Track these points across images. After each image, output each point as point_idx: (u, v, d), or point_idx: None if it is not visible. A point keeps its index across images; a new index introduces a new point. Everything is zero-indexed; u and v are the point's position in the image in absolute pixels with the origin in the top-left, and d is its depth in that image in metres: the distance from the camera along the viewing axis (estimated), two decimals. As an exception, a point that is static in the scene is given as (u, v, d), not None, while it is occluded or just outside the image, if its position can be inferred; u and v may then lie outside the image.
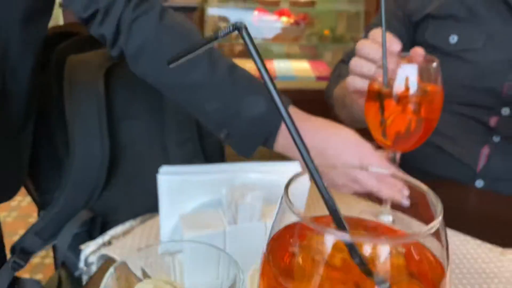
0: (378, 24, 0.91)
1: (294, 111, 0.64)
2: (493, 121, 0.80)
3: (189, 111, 0.69)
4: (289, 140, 0.61)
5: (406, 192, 0.32)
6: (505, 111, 0.78)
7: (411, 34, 0.89)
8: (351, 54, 0.96)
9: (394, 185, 0.31)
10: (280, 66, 2.78)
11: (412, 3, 0.87)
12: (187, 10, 2.29)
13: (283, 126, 0.62)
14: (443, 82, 0.76)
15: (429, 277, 0.24)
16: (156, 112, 0.80)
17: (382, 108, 0.51)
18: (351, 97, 0.71)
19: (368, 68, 0.58)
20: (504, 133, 0.80)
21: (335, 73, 0.95)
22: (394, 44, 0.56)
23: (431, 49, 0.82)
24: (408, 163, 0.63)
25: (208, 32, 2.54)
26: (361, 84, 0.59)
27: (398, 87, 0.50)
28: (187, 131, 0.82)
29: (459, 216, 0.57)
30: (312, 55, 3.13)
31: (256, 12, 2.69)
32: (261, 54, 0.28)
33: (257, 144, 0.65)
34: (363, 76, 0.59)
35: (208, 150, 0.89)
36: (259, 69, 0.28)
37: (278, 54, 3.09)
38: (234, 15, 2.71)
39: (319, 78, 2.59)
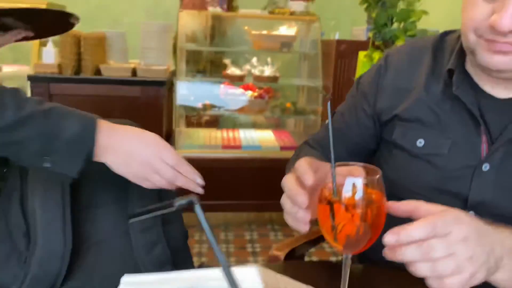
0: (343, 113, 0.95)
1: (104, 123, 0.72)
2: None
3: (9, 155, 0.70)
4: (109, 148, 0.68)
5: (200, 181, 0.40)
6: (471, 214, 0.76)
7: (379, 131, 0.90)
8: (316, 137, 0.99)
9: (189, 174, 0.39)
10: (246, 136, 2.91)
11: (381, 103, 0.87)
12: (156, 84, 2.41)
13: (99, 139, 0.69)
14: (411, 183, 0.80)
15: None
16: (120, 200, 0.82)
17: (332, 215, 0.56)
18: None
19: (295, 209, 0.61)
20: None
21: (295, 154, 0.97)
22: (307, 177, 0.58)
23: (399, 149, 0.84)
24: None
25: (179, 102, 2.65)
26: (291, 210, 0.62)
27: (346, 196, 0.55)
28: (151, 218, 0.84)
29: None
30: (276, 125, 3.29)
31: (222, 86, 2.84)
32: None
33: (80, 162, 0.69)
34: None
35: (171, 235, 0.91)
36: (208, 238, 0.35)
37: (245, 124, 3.23)
38: (202, 88, 2.86)
39: (283, 148, 2.71)
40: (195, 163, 3.00)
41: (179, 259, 0.97)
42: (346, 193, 0.55)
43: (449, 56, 0.82)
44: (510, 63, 0.68)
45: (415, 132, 0.82)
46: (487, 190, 0.76)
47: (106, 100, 2.41)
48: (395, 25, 2.32)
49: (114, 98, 2.41)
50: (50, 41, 2.38)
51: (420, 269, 0.52)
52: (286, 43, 2.74)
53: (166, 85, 2.53)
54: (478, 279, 0.53)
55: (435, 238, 0.52)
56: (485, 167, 0.76)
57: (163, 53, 2.57)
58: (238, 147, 2.66)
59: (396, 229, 0.52)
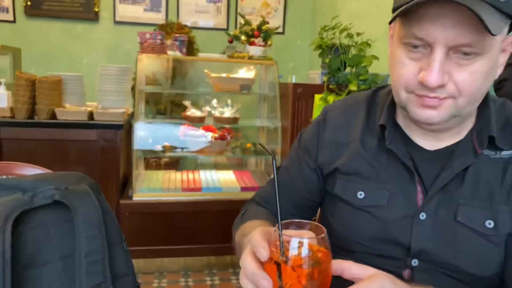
0: (287, 168, 0.95)
1: None
2: (406, 273, 0.80)
3: None
4: None
5: None
6: (415, 262, 0.79)
7: (323, 184, 0.92)
8: (262, 193, 0.99)
9: None
10: (207, 178, 2.89)
11: (322, 156, 0.90)
12: (114, 127, 2.38)
13: None
14: (356, 234, 0.81)
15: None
16: (67, 257, 0.80)
17: (279, 275, 0.56)
18: None
19: None
20: (419, 283, 0.78)
21: (241, 213, 0.97)
22: (262, 252, 0.57)
23: (342, 202, 0.86)
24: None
25: (137, 144, 2.62)
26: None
27: (292, 257, 0.55)
28: (99, 274, 0.82)
29: None
30: (238, 165, 3.30)
31: (182, 127, 2.84)
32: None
33: None
34: None
35: None
36: None
37: (206, 165, 3.22)
38: (162, 130, 2.85)
39: (244, 189, 2.71)
40: (154, 207, 2.98)
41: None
42: (293, 252, 0.56)
43: (381, 111, 0.86)
44: (438, 116, 0.72)
45: (355, 184, 0.84)
46: (426, 238, 0.78)
47: (61, 144, 2.34)
48: (348, 69, 2.43)
49: (69, 142, 2.35)
50: (3, 84, 2.32)
51: None
52: (245, 86, 2.80)
53: (125, 128, 2.51)
54: None
55: None
56: (422, 216, 0.78)
57: (121, 96, 2.55)
58: (198, 189, 2.64)
59: None
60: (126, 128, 2.63)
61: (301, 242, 0.56)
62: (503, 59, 0.74)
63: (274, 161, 0.63)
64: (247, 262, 0.58)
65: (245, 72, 2.91)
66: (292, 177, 0.94)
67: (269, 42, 2.78)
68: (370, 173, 0.83)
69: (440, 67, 0.67)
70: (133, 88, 2.72)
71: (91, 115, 2.41)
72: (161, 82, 3.19)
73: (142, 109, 2.90)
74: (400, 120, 0.85)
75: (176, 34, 2.79)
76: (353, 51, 2.46)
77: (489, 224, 0.74)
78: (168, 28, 3.38)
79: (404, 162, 0.80)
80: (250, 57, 2.74)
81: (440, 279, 0.78)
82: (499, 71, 0.75)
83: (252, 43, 2.74)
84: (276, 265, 0.56)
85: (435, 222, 0.78)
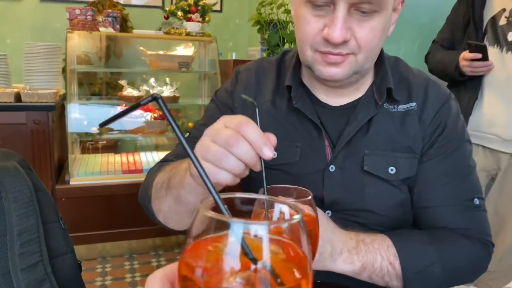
0: (204, 123, 0.89)
1: None
2: None
3: None
4: None
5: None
6: (328, 213, 0.84)
7: None
8: (176, 153, 0.92)
9: None
10: (148, 159, 2.81)
11: (236, 114, 0.89)
12: (44, 109, 2.24)
13: None
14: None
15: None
16: None
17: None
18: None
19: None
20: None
21: (153, 173, 0.89)
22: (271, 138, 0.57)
23: None
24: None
25: (71, 127, 2.49)
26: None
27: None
28: (35, 253, 0.78)
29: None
30: (180, 146, 3.25)
31: (119, 108, 2.73)
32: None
33: None
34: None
35: (61, 270, 0.86)
36: (173, 129, 0.39)
37: (146, 147, 3.13)
38: (98, 111, 2.72)
39: (187, 168, 2.67)
40: (93, 191, 2.86)
41: (72, 294, 0.91)
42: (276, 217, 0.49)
43: (288, 73, 0.90)
44: (342, 73, 0.77)
45: None
46: (336, 189, 0.84)
47: (-14, 129, 2.17)
48: (287, 45, 2.45)
49: (-5, 126, 2.19)
50: None
51: None
52: (184, 63, 2.73)
53: (57, 110, 2.37)
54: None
55: None
56: (331, 168, 0.84)
57: (51, 76, 2.40)
58: (139, 171, 2.57)
59: None
60: (59, 110, 2.48)
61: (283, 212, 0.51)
62: (394, 18, 0.81)
63: (256, 109, 0.63)
64: None
65: (184, 50, 2.84)
66: None
67: (206, 18, 2.73)
68: (282, 133, 0.85)
69: (343, 23, 0.71)
70: (64, 70, 2.57)
71: (18, 96, 2.25)
72: (94, 61, 3.04)
73: (75, 90, 2.75)
74: (306, 79, 0.90)
75: (108, 10, 2.65)
76: (291, 27, 2.48)
77: (392, 170, 0.83)
78: (100, 6, 3.21)
79: (311, 119, 0.85)
80: (188, 34, 2.68)
81: (352, 228, 0.82)
82: (391, 29, 0.81)
83: (189, 19, 2.67)
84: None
85: (343, 173, 0.83)
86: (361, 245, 0.74)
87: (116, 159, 2.76)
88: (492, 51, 1.66)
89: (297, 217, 0.31)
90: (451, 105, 0.87)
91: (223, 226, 0.29)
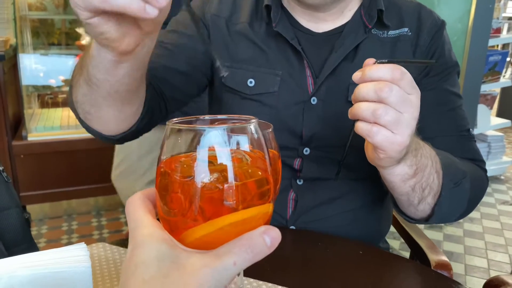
0: (175, 30, 0.83)
1: None
2: (297, 162, 0.81)
3: None
4: None
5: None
6: (306, 151, 0.80)
7: (209, 75, 0.86)
8: None
9: None
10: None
11: (214, 48, 0.83)
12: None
13: None
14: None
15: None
16: None
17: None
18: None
19: None
20: (306, 174, 0.81)
21: None
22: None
23: (229, 92, 0.82)
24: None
25: (25, 79, 2.31)
26: None
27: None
28: None
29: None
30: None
31: (77, 58, 2.56)
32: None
33: None
34: None
35: (6, 225, 0.81)
36: None
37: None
38: (55, 62, 2.54)
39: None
40: (53, 146, 2.70)
41: (19, 251, 0.85)
42: None
43: None
44: None
45: (245, 72, 0.81)
46: (316, 123, 0.79)
47: None
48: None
49: None
50: None
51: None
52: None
53: (8, 61, 2.18)
54: (401, 141, 0.56)
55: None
56: (313, 100, 0.79)
57: (-2, 23, 2.20)
58: (103, 125, 2.44)
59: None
60: (12, 62, 2.29)
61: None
62: None
63: None
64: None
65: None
66: (188, 35, 0.83)
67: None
68: (260, 59, 0.81)
69: None
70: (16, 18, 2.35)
71: (-39, 45, 2.05)
72: (50, 9, 2.81)
73: (29, 39, 2.54)
74: (286, 3, 0.83)
75: (60, -51, 2.41)
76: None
77: None
78: None
79: (292, 44, 0.79)
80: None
81: (328, 166, 0.80)
82: None
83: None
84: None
85: (325, 105, 0.79)
86: (420, 144, 0.65)
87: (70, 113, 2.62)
88: None
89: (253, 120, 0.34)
90: (444, 32, 0.83)
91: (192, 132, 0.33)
